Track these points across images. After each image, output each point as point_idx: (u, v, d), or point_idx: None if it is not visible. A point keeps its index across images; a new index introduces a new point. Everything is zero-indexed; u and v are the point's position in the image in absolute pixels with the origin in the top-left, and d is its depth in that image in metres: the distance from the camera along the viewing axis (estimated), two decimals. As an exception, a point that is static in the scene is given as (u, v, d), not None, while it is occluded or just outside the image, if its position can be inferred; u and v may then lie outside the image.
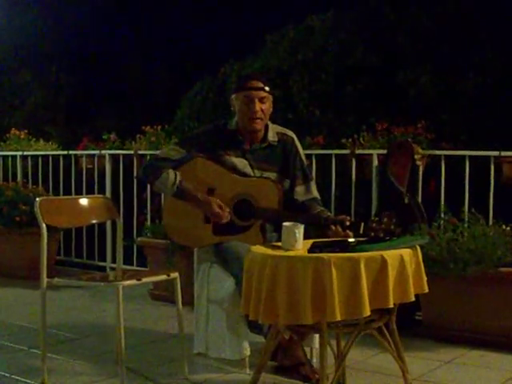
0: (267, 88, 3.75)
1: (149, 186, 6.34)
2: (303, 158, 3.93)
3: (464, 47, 7.89)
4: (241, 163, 3.78)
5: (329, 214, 3.77)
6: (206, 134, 3.90)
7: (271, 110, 3.81)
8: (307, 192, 3.86)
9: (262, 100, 3.73)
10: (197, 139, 3.89)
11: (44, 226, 3.59)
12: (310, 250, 2.99)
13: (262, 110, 3.72)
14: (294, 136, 3.93)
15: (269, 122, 3.86)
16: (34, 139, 7.88)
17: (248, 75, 4.77)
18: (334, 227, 3.43)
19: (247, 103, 3.72)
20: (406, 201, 4.84)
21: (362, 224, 3.27)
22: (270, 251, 3.07)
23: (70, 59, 14.14)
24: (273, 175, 3.81)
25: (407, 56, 8.03)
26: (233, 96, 3.83)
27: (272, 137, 3.84)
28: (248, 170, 3.78)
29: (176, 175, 3.74)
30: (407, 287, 2.97)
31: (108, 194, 6.71)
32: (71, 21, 14.13)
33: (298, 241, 3.09)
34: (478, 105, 7.51)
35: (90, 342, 4.45)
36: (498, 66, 7.78)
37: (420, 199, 4.97)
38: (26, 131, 8.01)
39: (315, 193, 3.89)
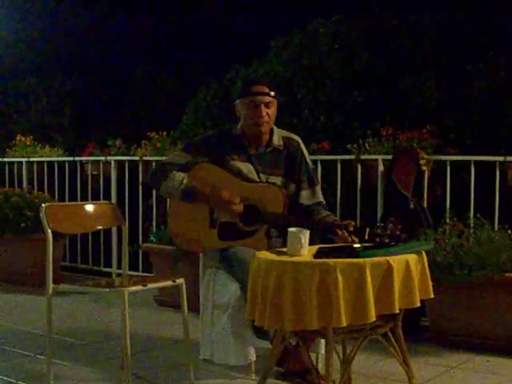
0: (272, 93, 3.75)
1: (154, 192, 6.35)
2: (309, 162, 3.92)
3: (469, 52, 7.88)
4: (246, 168, 3.78)
5: (335, 218, 3.77)
6: (211, 139, 3.90)
7: (276, 114, 3.81)
8: (313, 196, 3.85)
9: (267, 105, 3.73)
10: (202, 144, 3.89)
11: (49, 232, 3.59)
12: (316, 256, 2.99)
13: (267, 115, 3.72)
14: (300, 140, 3.92)
15: (274, 127, 3.86)
16: (39, 145, 7.90)
17: (253, 80, 4.76)
18: (339, 231, 3.43)
19: (252, 108, 3.72)
20: (412, 206, 4.84)
21: (368, 229, 3.27)
22: (275, 257, 3.07)
23: (76, 65, 14.17)
24: (278, 179, 3.81)
25: (412, 61, 8.02)
26: (238, 101, 3.83)
27: (277, 141, 3.84)
28: (252, 174, 3.78)
29: (183, 176, 3.74)
30: (413, 293, 2.96)
31: (113, 200, 6.71)
32: (77, 27, 14.17)
33: (303, 246, 3.09)
34: (483, 110, 7.50)
35: (96, 348, 4.46)
36: (503, 71, 7.78)
37: (425, 204, 4.97)
38: (31, 137, 8.04)
39: (321, 197, 3.88)
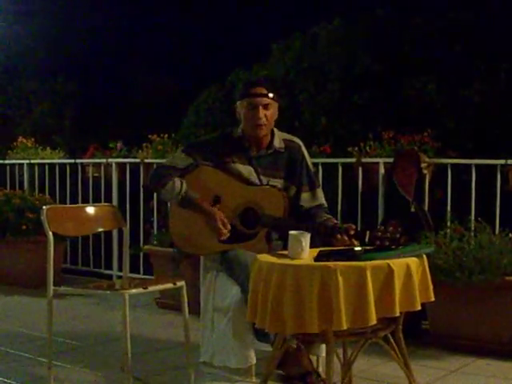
0: (271, 95, 3.74)
1: (155, 195, 6.35)
2: (310, 164, 3.92)
3: (470, 56, 7.89)
4: (246, 170, 3.78)
5: (335, 221, 3.76)
6: (212, 142, 3.90)
7: (276, 116, 3.80)
8: (313, 199, 3.84)
9: (265, 107, 3.72)
10: (202, 147, 3.89)
11: (50, 234, 3.59)
12: (317, 259, 2.98)
13: (265, 117, 3.72)
14: (301, 143, 3.92)
15: (275, 129, 3.85)
16: (40, 147, 7.91)
17: (253, 81, 4.72)
18: (339, 236, 3.42)
19: (251, 110, 3.72)
20: (413, 209, 4.84)
21: (368, 232, 3.26)
22: (276, 260, 3.07)
23: (77, 68, 14.19)
24: (279, 182, 3.80)
25: (413, 65, 8.03)
26: (237, 103, 3.83)
27: (278, 143, 3.84)
28: (253, 177, 3.78)
29: (182, 184, 3.74)
30: (413, 296, 2.96)
31: (114, 202, 6.72)
32: (78, 30, 14.19)
33: (304, 249, 3.09)
34: (484, 113, 7.51)
35: (97, 351, 4.46)
36: (503, 74, 7.79)
37: (426, 207, 4.97)
38: (33, 139, 8.05)
39: (321, 200, 3.87)
